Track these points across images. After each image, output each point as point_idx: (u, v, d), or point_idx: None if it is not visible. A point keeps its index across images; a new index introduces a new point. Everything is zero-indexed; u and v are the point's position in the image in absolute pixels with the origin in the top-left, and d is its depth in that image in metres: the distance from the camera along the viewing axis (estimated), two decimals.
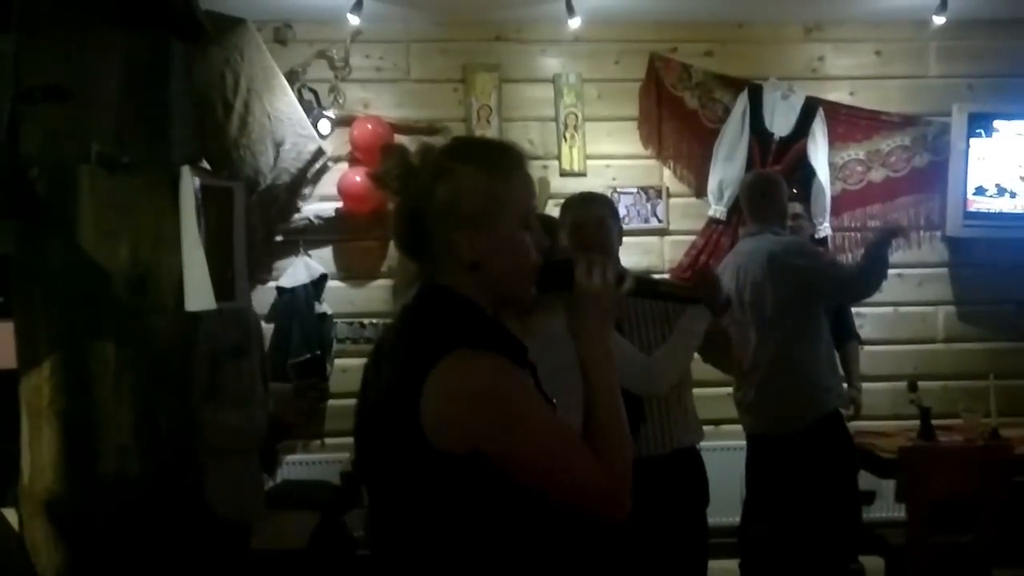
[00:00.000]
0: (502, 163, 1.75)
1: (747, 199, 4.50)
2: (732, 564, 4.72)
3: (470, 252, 1.70)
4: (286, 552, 4.22)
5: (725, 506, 4.84)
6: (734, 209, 5.57)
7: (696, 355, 3.44)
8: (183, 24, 2.39)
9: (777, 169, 5.50)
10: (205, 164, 4.14)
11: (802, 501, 4.36)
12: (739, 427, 5.06)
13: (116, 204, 2.35)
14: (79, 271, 2.35)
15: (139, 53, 2.38)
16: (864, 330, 5.37)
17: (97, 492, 2.43)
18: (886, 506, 4.75)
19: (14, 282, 2.44)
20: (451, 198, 1.69)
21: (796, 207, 5.04)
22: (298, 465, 5.40)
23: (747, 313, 4.31)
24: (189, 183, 2.36)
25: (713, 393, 5.23)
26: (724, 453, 5.29)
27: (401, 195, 1.75)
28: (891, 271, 5.54)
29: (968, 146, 5.51)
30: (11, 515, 2.70)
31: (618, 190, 5.59)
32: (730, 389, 5.12)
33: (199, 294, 2.38)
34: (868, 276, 4.32)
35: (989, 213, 5.53)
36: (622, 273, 1.80)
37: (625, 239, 4.59)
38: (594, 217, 3.38)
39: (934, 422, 4.83)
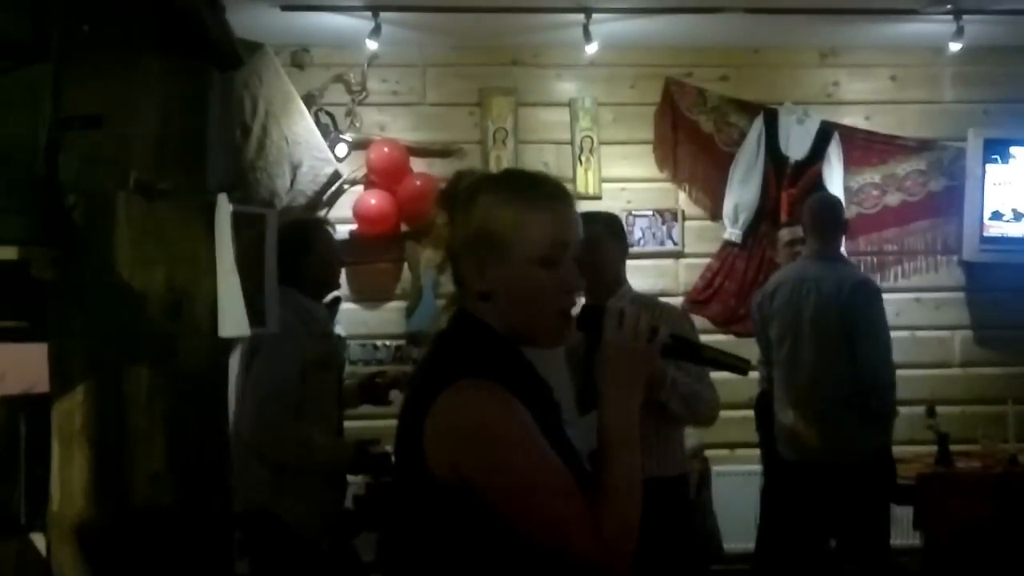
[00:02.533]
0: (528, 195, 1.68)
1: (819, 220, 4.39)
2: None
3: (478, 281, 1.67)
4: None
5: (739, 532, 4.83)
6: (749, 232, 5.60)
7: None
8: (220, 52, 2.40)
9: (792, 193, 5.52)
10: None
11: (843, 531, 4.30)
12: (754, 452, 5.06)
13: (153, 230, 2.36)
14: (115, 297, 2.36)
15: (177, 81, 2.40)
16: None
17: (127, 518, 2.41)
18: (903, 533, 4.71)
19: (50, 307, 2.44)
20: (468, 224, 1.67)
21: (797, 231, 5.04)
22: None
23: (803, 335, 4.25)
24: (225, 210, 2.37)
25: (728, 416, 5.22)
26: (738, 478, 5.27)
27: (452, 214, 1.73)
28: (908, 295, 5.62)
29: (984, 171, 5.51)
30: (40, 540, 2.69)
31: (633, 213, 5.60)
32: (745, 412, 5.12)
33: (233, 320, 2.39)
34: (891, 390, 4.21)
35: (1006, 238, 5.53)
36: (656, 327, 1.68)
37: (640, 262, 4.60)
38: (585, 237, 3.33)
39: (952, 448, 4.81)
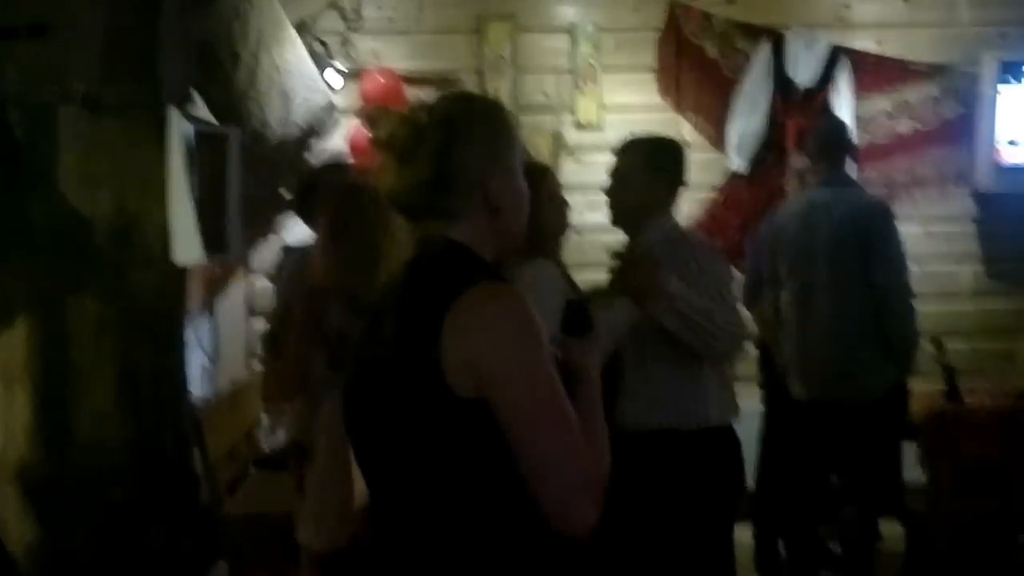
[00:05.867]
0: (509, 115, 1.76)
1: (823, 145, 4.21)
2: (745, 534, 4.60)
3: (498, 197, 1.67)
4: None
5: None
6: (754, 162, 5.42)
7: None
8: None
9: (799, 121, 5.33)
10: (211, 118, 4.01)
11: (849, 470, 4.20)
12: (752, 388, 4.92)
13: (99, 148, 2.24)
14: (59, 221, 2.25)
15: None
16: None
17: (72, 458, 2.35)
18: (908, 471, 4.60)
19: None
20: (482, 142, 1.66)
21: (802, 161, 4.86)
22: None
23: (817, 266, 4.08)
24: (177, 125, 2.23)
25: None
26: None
27: (410, 153, 1.66)
28: (916, 228, 5.43)
29: (999, 96, 5.29)
30: None
31: None
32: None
33: (187, 246, 2.26)
34: (911, 314, 4.04)
35: (1022, 167, 5.31)
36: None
37: None
38: (615, 167, 3.18)
39: (960, 383, 4.68)
